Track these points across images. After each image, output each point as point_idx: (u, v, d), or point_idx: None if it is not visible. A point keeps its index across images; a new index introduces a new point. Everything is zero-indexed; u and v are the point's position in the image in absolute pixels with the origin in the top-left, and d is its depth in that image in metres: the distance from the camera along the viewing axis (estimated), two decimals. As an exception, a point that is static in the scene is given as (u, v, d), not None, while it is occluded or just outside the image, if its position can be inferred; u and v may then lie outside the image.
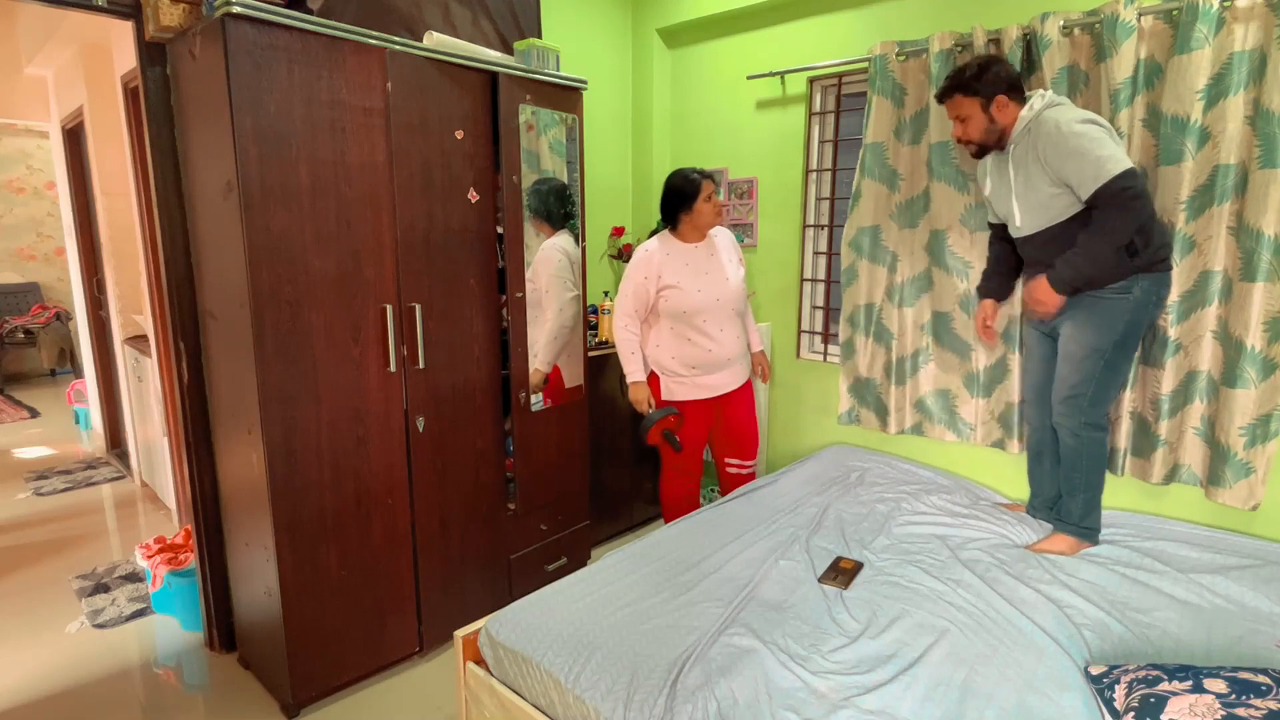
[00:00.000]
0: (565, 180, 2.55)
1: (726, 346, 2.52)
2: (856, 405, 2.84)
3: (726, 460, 2.73)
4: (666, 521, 2.69)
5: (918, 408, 2.68)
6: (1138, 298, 1.93)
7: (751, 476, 2.74)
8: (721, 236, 2.59)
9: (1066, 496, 2.09)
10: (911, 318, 2.63)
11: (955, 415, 2.60)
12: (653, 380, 2.59)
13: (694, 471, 2.68)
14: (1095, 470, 2.06)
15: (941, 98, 2.07)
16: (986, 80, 1.97)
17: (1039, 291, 1.99)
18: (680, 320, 2.48)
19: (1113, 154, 1.81)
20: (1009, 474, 2.54)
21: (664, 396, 2.56)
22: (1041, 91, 1.99)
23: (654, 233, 2.64)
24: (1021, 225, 2.06)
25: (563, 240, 2.53)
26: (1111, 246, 1.86)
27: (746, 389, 2.66)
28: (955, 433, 2.62)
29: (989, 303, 2.30)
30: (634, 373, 2.54)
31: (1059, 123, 1.88)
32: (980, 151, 2.09)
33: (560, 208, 2.53)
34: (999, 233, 2.25)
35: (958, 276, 2.47)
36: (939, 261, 2.51)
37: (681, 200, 2.44)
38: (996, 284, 2.29)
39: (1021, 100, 1.99)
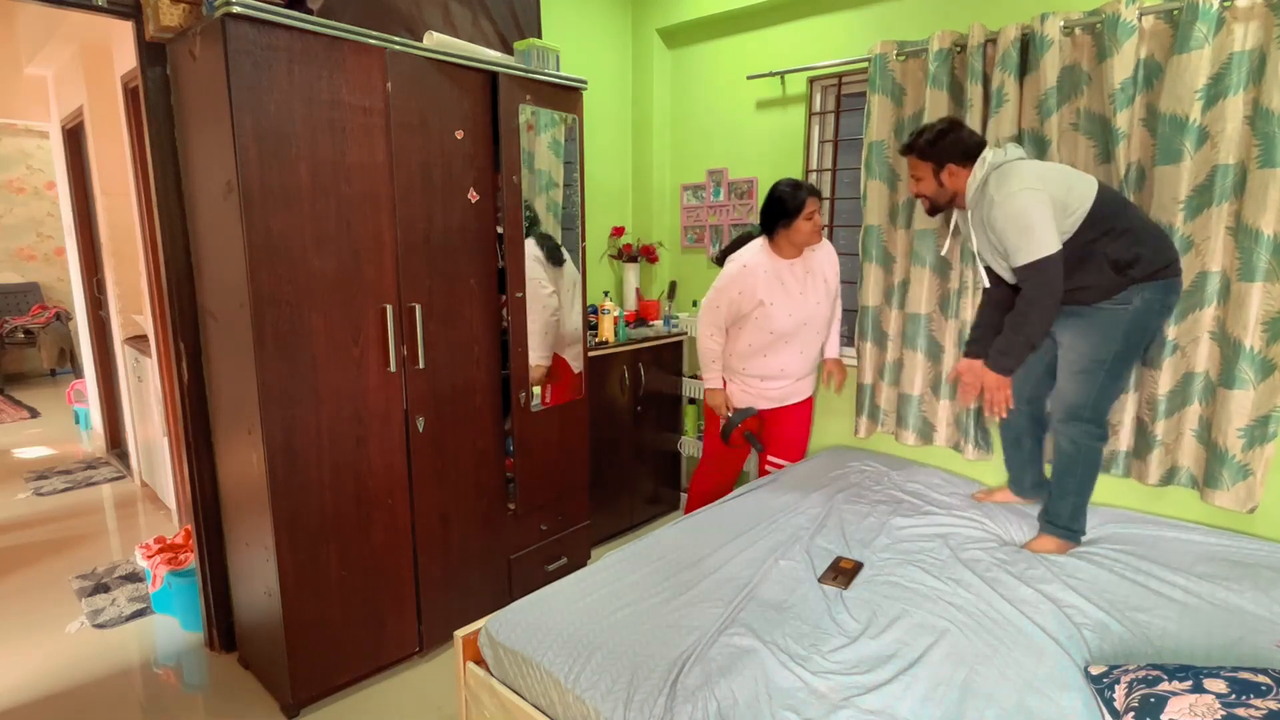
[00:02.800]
0: (562, 180, 2.54)
1: (802, 366, 2.54)
2: (865, 419, 2.82)
3: (770, 456, 2.74)
4: (688, 513, 2.68)
5: (904, 406, 2.69)
6: (1138, 307, 1.91)
7: None
8: (821, 252, 2.50)
9: (1057, 498, 2.05)
10: (899, 319, 2.64)
11: (923, 417, 2.64)
12: None
13: (734, 470, 2.68)
14: (1089, 476, 2.04)
15: (903, 153, 2.12)
16: (940, 148, 2.01)
17: (989, 381, 2.04)
18: (762, 334, 2.46)
19: (1028, 242, 1.85)
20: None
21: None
22: (985, 155, 1.97)
23: (745, 237, 2.57)
24: (1007, 278, 2.07)
25: (529, 246, 2.46)
26: (1024, 333, 1.93)
27: (807, 402, 2.68)
28: (920, 435, 2.66)
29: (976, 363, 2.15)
30: (712, 380, 2.58)
31: (994, 200, 1.91)
32: (933, 209, 2.13)
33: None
34: (988, 296, 2.20)
35: (940, 276, 2.51)
36: (921, 261, 2.52)
37: (783, 213, 2.36)
38: (981, 349, 2.15)
39: (971, 166, 2.00)
